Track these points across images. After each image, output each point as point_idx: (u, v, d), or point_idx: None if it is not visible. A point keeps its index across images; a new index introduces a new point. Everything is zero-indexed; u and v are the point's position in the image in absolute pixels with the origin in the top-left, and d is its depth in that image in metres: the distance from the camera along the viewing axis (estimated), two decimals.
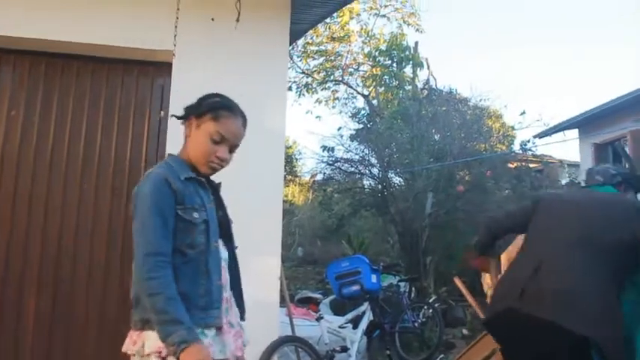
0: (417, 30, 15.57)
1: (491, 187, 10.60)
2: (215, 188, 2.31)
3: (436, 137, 11.72)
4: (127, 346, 2.05)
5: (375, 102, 15.06)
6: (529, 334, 2.75)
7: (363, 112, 14.31)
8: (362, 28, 15.52)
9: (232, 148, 2.22)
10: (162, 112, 4.50)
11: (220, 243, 2.20)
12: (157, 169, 2.13)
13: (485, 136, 12.30)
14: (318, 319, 5.23)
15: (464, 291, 4.01)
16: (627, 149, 12.32)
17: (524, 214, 3.19)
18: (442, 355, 7.32)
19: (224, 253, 2.22)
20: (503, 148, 12.62)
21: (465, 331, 8.44)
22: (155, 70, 4.60)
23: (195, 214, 2.08)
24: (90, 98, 4.50)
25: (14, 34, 4.24)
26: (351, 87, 15.33)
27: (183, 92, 4.29)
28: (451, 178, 10.31)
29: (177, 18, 4.13)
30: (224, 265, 2.20)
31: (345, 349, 4.91)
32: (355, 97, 15.24)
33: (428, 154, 10.77)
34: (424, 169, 10.18)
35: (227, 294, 2.19)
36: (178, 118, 2.28)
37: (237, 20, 4.24)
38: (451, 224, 10.01)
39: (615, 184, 3.22)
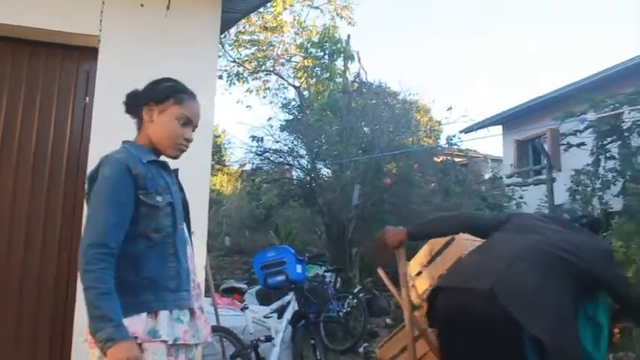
0: (349, 23, 15.76)
1: (417, 181, 10.85)
2: (175, 173, 2.31)
3: (365, 130, 11.89)
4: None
5: (305, 93, 15.11)
6: (481, 321, 2.69)
7: (293, 103, 14.34)
8: (295, 19, 15.57)
9: (194, 129, 2.29)
10: (87, 99, 4.40)
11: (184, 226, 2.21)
12: (117, 154, 2.09)
13: (412, 130, 12.57)
14: (243, 309, 5.25)
15: (387, 282, 4.11)
16: (546, 146, 12.88)
17: (497, 221, 3.19)
18: (366, 344, 7.48)
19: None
20: (430, 142, 12.93)
21: (388, 321, 8.63)
22: (80, 55, 4.48)
23: (159, 198, 2.08)
24: (10, 82, 4.35)
25: None
26: (283, 78, 15.35)
27: (110, 79, 4.26)
28: (378, 170, 10.49)
29: (104, 3, 4.03)
30: (189, 249, 2.22)
31: (269, 339, 4.96)
32: (286, 88, 15.28)
33: (356, 146, 10.92)
34: (352, 161, 10.32)
35: (197, 278, 2.21)
36: (135, 105, 2.25)
37: (168, 8, 4.19)
38: (377, 216, 10.18)
39: (580, 224, 3.27)
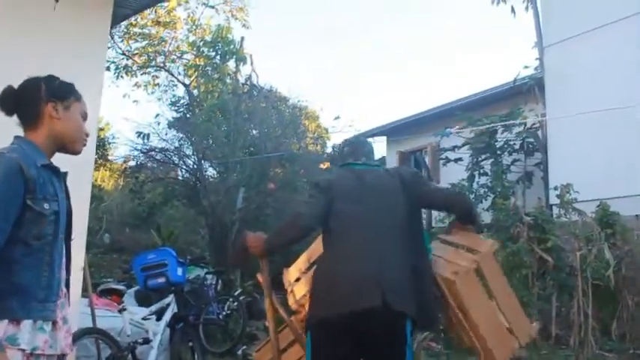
0: (244, 25, 15.70)
1: (301, 186, 11.03)
2: (63, 177, 2.28)
3: (253, 132, 11.94)
4: None
5: (195, 92, 14.92)
6: (371, 327, 2.81)
7: (182, 101, 14.12)
8: (189, 16, 15.29)
9: None
10: None
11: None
12: (11, 153, 2.03)
13: (300, 136, 12.76)
14: (121, 310, 5.16)
15: (265, 286, 4.18)
16: (427, 159, 13.52)
17: (324, 206, 3.04)
18: (244, 347, 7.53)
19: None
20: (317, 148, 13.17)
21: (266, 323, 8.71)
22: None
23: (46, 205, 2.05)
24: None
25: None
26: (173, 74, 15.03)
27: None
28: (264, 174, 10.59)
29: None
30: (63, 259, 2.18)
31: (147, 341, 4.90)
32: (176, 86, 14.97)
33: (243, 149, 10.96)
34: (238, 163, 10.35)
35: (64, 288, 2.17)
36: (32, 102, 2.20)
37: (57, 1, 4.07)
38: (260, 219, 10.27)
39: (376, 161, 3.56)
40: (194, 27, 15.46)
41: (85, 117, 2.32)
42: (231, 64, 14.72)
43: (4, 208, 1.94)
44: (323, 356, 2.86)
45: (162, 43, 15.18)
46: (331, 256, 3.01)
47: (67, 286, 2.24)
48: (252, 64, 14.89)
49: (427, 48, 47.48)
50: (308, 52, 41.03)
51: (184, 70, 15.26)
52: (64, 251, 2.21)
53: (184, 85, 14.96)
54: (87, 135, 2.32)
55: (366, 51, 44.40)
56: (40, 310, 2.02)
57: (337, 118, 15.61)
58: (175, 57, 15.46)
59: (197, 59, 14.93)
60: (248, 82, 14.61)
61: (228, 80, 14.24)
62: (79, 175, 4.28)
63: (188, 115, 12.97)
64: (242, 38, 15.13)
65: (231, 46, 14.35)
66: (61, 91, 2.24)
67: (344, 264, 2.91)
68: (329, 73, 41.17)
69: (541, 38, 10.80)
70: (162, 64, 15.15)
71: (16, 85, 2.23)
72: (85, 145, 2.31)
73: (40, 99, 2.19)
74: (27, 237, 1.99)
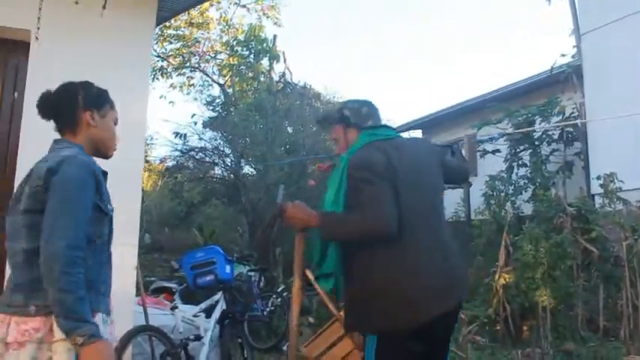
0: (276, 23, 15.82)
1: None
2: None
3: (289, 130, 11.97)
4: (21, 333, 1.95)
5: (230, 91, 15.05)
6: (446, 324, 2.74)
7: (218, 100, 14.26)
8: (221, 17, 15.47)
9: None
10: (16, 94, 4.32)
11: None
12: (81, 156, 2.12)
13: None
14: (173, 308, 5.27)
15: (298, 264, 4.02)
16: (463, 152, 13.41)
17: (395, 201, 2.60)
18: (289, 342, 7.58)
19: None
20: None
21: (311, 319, 8.75)
22: (9, 48, 4.40)
23: (109, 206, 2.17)
24: None
25: None
26: (207, 75, 15.21)
27: (42, 74, 4.19)
28: (303, 171, 10.62)
29: (42, 0, 3.97)
30: None
31: (198, 338, 4.99)
32: (211, 85, 15.14)
33: (281, 146, 11.00)
34: (276, 160, 10.40)
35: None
36: (71, 110, 2.26)
37: (104, 7, 4.16)
38: None
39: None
40: (227, 27, 15.62)
41: (116, 123, 2.38)
42: (265, 62, 14.84)
43: (85, 210, 2.03)
44: None
45: (196, 44, 15.37)
46: (403, 254, 2.57)
47: None
48: (285, 61, 15.00)
49: (458, 40, 47.08)
50: (340, 48, 40.96)
51: (219, 69, 15.43)
52: None
53: (219, 84, 15.11)
54: (118, 140, 2.39)
55: (399, 43, 44.18)
56: (105, 304, 2.14)
57: None
58: (209, 57, 15.64)
59: (231, 59, 15.07)
60: (282, 80, 14.70)
61: (262, 78, 14.33)
62: (131, 176, 4.38)
63: (224, 114, 13.07)
64: (274, 36, 15.24)
65: (264, 45, 14.44)
66: (98, 100, 2.31)
67: (424, 263, 2.60)
68: (361, 67, 41.09)
69: (578, 25, 10.63)
70: (196, 65, 15.34)
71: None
72: (115, 150, 2.38)
73: (78, 106, 2.26)
74: (93, 235, 2.08)
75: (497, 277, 7.37)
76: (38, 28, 4.01)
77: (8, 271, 2.13)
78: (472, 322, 7.23)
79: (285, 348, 7.45)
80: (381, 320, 2.54)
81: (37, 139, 4.01)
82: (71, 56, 4.28)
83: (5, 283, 2.12)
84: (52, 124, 3.87)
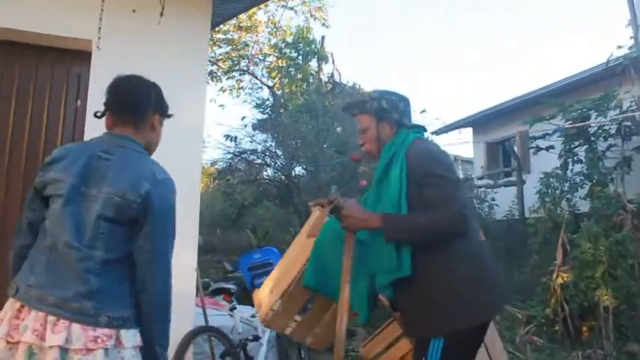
0: (323, 24, 15.88)
1: None
2: None
3: (338, 130, 11.97)
4: (91, 340, 1.95)
5: (279, 93, 15.17)
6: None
7: (267, 102, 14.39)
8: (269, 19, 15.63)
9: None
10: (78, 102, 4.45)
11: None
12: (169, 176, 2.19)
13: None
14: (232, 309, 5.34)
15: (346, 270, 4.03)
16: (516, 149, 13.20)
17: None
18: (335, 348, 7.59)
19: None
20: None
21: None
22: (72, 58, 4.54)
23: None
24: (2, 85, 4.38)
25: None
26: (257, 77, 15.38)
27: (103, 82, 4.29)
28: (355, 172, 10.61)
29: (102, 10, 4.09)
30: None
31: (257, 338, 5.04)
32: (260, 88, 15.30)
33: (331, 147, 11.02)
34: (328, 161, 10.42)
35: None
36: (145, 108, 2.30)
37: (161, 14, 4.25)
38: None
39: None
40: (275, 29, 15.75)
41: None
42: (313, 63, 14.91)
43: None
44: None
45: (245, 47, 15.54)
46: (477, 253, 2.56)
47: None
48: (333, 62, 15.05)
49: (507, 37, 46.28)
50: (390, 46, 40.76)
51: (267, 72, 15.58)
52: None
53: (268, 86, 15.25)
54: None
55: (444, 42, 43.72)
56: None
57: (423, 111, 15.47)
58: (258, 60, 15.80)
59: (279, 61, 15.20)
60: (331, 81, 14.74)
61: (311, 80, 14.40)
62: (190, 179, 4.46)
63: (273, 116, 13.16)
64: (322, 37, 15.32)
65: (313, 46, 14.52)
66: (164, 106, 2.36)
67: (487, 261, 2.61)
68: (409, 66, 40.80)
69: (635, 16, 10.32)
70: (245, 68, 15.51)
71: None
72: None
73: (150, 106, 2.29)
74: None
75: (554, 276, 7.24)
76: (99, 38, 4.12)
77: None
78: (529, 323, 7.12)
79: None
80: (456, 320, 2.45)
81: None
82: (130, 63, 4.31)
83: (43, 280, 2.00)
84: None
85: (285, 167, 11.81)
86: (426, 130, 2.90)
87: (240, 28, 15.24)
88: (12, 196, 4.24)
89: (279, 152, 12.04)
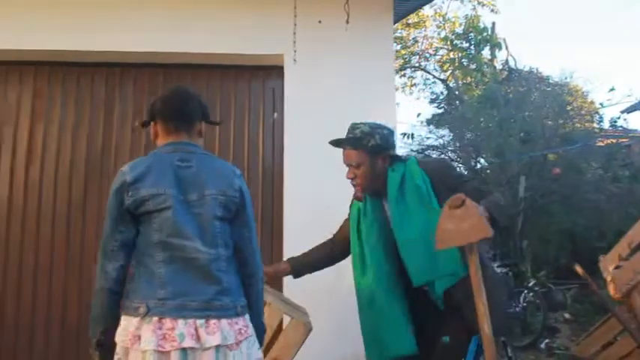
0: (492, 10, 15.33)
1: (585, 168, 10.31)
2: None
3: (522, 118, 11.47)
4: (238, 333, 2.12)
5: (453, 86, 14.91)
6: None
7: (441, 96, 14.21)
8: (436, 13, 15.40)
9: None
10: (275, 114, 4.67)
11: None
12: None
13: (572, 115, 11.93)
14: None
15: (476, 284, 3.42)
16: None
17: None
18: (547, 340, 7.26)
19: None
20: (594, 126, 12.21)
21: (567, 315, 8.31)
22: (265, 73, 4.78)
23: None
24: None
25: (143, 48, 4.53)
26: (429, 72, 15.24)
27: (298, 94, 4.50)
28: (544, 160, 10.11)
29: (295, 24, 4.26)
30: None
31: None
32: (433, 82, 15.14)
33: (515, 137, 10.58)
34: (513, 151, 10.02)
35: None
36: (214, 123, 2.50)
37: (347, 22, 4.34)
38: (545, 207, 9.81)
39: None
40: (443, 22, 15.50)
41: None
42: (486, 52, 14.47)
43: None
44: None
45: (414, 43, 15.46)
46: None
47: None
48: (507, 48, 14.49)
49: None
50: (563, 28, 38.34)
51: (439, 66, 15.38)
52: None
53: (441, 80, 15.05)
54: None
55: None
56: None
57: (612, 89, 14.43)
58: (428, 55, 15.65)
59: (450, 53, 14.94)
60: (506, 68, 14.21)
61: (485, 69, 13.99)
62: None
63: (449, 110, 12.95)
64: (493, 24, 14.81)
65: (484, 34, 14.10)
66: (207, 113, 2.43)
67: None
68: (592, 40, 38.04)
69: None
70: (417, 64, 15.43)
71: None
72: None
73: (200, 114, 2.39)
74: None
75: None
76: (295, 51, 4.30)
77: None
78: None
79: (542, 346, 7.15)
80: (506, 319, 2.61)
81: (298, 151, 4.37)
82: (321, 73, 4.51)
83: (178, 289, 2.09)
84: (310, 139, 4.14)
85: (467, 161, 11.55)
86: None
87: (408, 25, 15.17)
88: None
89: (458, 145, 11.81)
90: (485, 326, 2.35)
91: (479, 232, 2.35)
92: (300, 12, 4.43)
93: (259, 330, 2.32)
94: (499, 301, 2.64)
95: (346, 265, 3.07)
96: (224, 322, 2.08)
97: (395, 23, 8.09)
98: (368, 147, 2.79)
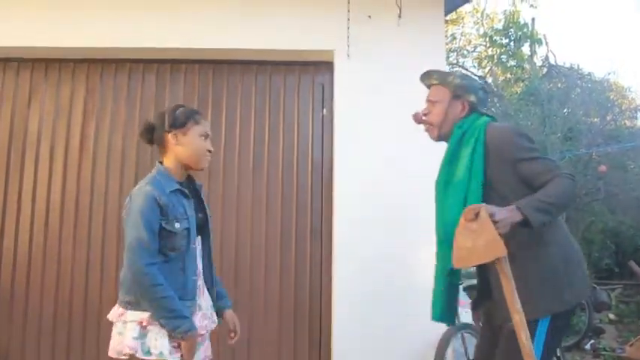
0: (531, 6, 15.05)
1: (630, 166, 10.10)
2: (197, 190, 2.72)
3: (564, 114, 11.29)
4: (112, 316, 2.50)
5: (490, 81, 14.70)
6: None
7: None
8: (474, 9, 15.19)
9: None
10: (324, 110, 4.66)
11: (198, 240, 2.61)
12: (148, 187, 2.46)
13: (612, 111, 11.69)
14: None
15: (509, 291, 2.98)
16: None
17: None
18: (592, 341, 7.14)
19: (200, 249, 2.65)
20: (638, 124, 11.95)
21: (611, 316, 8.16)
22: (315, 69, 4.77)
23: (177, 225, 2.47)
24: (255, 100, 4.75)
25: (194, 45, 4.57)
26: (466, 69, 15.03)
27: (347, 89, 4.48)
28: (589, 158, 9.93)
29: (349, 19, 4.24)
30: (199, 259, 2.61)
31: None
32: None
33: (558, 133, 10.40)
34: (555, 149, 9.85)
35: (200, 282, 2.60)
36: (156, 136, 2.62)
37: (399, 16, 4.30)
38: (588, 206, 9.63)
39: None
40: (480, 18, 15.28)
41: (206, 136, 2.62)
42: (525, 48, 14.23)
43: (152, 231, 2.39)
44: (555, 347, 2.50)
45: (453, 40, 15.28)
46: (565, 232, 2.52)
47: (211, 277, 2.72)
48: (547, 44, 14.23)
49: None
50: (603, 16, 37.46)
51: (477, 62, 15.18)
52: (206, 251, 2.69)
53: (479, 77, 14.85)
54: (209, 151, 2.63)
55: None
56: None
57: None
58: (466, 52, 15.46)
59: (489, 49, 14.72)
60: (545, 64, 13.97)
61: (525, 65, 13.76)
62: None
63: (489, 107, 12.77)
64: (533, 19, 14.54)
65: (524, 30, 13.86)
66: (178, 121, 2.57)
67: (573, 241, 2.53)
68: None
69: None
70: (454, 62, 15.25)
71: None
72: (207, 161, 2.63)
73: (163, 130, 2.58)
74: (164, 249, 2.43)
75: None
76: (348, 46, 4.29)
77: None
78: None
79: (587, 347, 7.03)
80: (563, 299, 2.37)
81: (348, 146, 4.36)
82: (371, 69, 4.48)
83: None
84: (361, 134, 4.13)
85: None
86: (496, 120, 2.70)
87: (445, 21, 15.00)
88: (272, 201, 4.60)
89: None
90: (523, 336, 2.25)
91: (493, 250, 2.16)
92: (352, 7, 4.42)
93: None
94: (546, 281, 2.38)
95: None
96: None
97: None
98: (452, 84, 2.67)
